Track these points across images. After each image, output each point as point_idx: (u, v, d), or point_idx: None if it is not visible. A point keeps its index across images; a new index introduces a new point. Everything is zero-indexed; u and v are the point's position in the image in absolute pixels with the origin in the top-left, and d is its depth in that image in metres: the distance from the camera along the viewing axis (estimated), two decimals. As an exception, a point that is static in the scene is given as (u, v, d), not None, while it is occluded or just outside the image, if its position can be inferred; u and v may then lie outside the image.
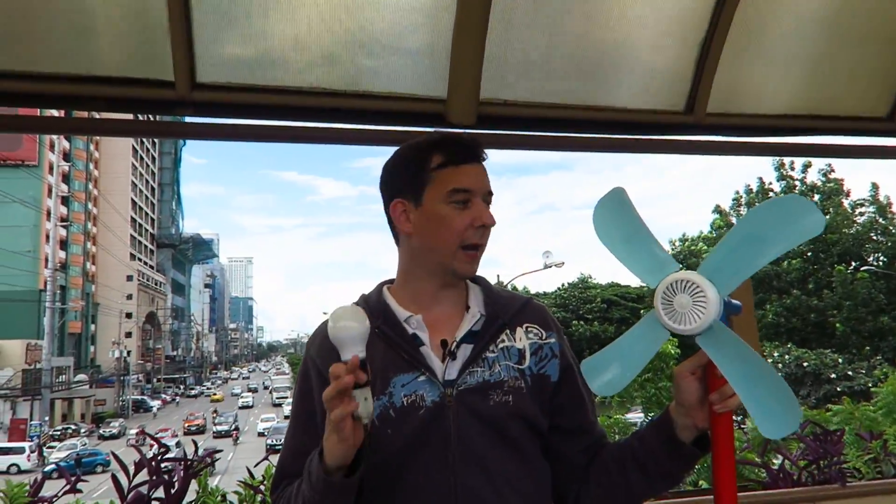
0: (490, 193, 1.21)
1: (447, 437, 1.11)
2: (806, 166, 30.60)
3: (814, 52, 2.20)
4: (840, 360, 21.54)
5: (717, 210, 32.86)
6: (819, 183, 30.44)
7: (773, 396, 1.01)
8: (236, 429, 36.34)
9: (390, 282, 1.29)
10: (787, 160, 29.88)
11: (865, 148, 2.45)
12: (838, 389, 19.60)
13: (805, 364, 21.19)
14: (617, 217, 1.17)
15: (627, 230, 1.16)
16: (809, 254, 29.64)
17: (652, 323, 1.11)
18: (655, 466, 1.13)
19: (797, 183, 30.64)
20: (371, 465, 1.08)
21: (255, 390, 68.00)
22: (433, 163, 1.19)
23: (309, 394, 1.19)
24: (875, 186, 29.63)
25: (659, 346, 1.12)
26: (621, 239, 1.17)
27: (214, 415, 39.79)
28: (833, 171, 30.57)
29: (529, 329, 1.23)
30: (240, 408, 49.66)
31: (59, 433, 36.33)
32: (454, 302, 1.23)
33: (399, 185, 1.22)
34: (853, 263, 28.82)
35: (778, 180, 31.12)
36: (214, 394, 64.30)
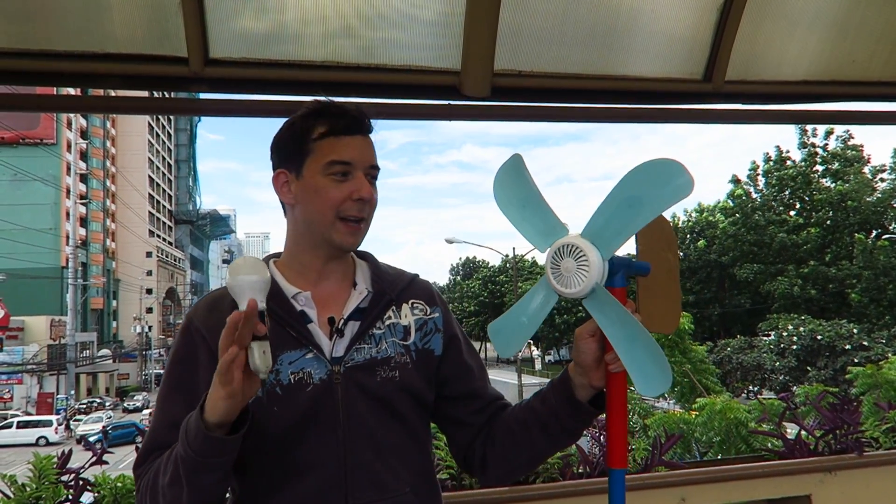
0: (374, 167, 1.19)
1: (335, 414, 1.12)
2: (828, 133, 30.01)
3: (836, 15, 2.14)
4: (856, 331, 21.35)
5: (734, 180, 32.45)
6: (839, 150, 29.90)
7: (649, 358, 1.05)
8: None
9: (276, 255, 1.27)
10: (809, 127, 29.34)
11: (889, 114, 2.39)
12: (855, 361, 19.47)
13: (819, 337, 21.06)
14: (513, 184, 1.21)
15: (522, 197, 1.19)
16: (828, 222, 29.24)
17: (545, 286, 1.16)
18: (556, 424, 1.16)
19: (818, 150, 30.11)
20: (257, 443, 1.07)
21: None
22: (315, 133, 1.17)
23: (193, 364, 1.14)
24: (897, 154, 29.04)
25: (550, 309, 1.17)
26: (517, 205, 1.20)
27: None
28: (852, 137, 29.98)
29: (415, 305, 1.24)
30: None
31: (84, 406, 37.21)
32: (341, 278, 1.23)
33: (283, 156, 1.20)
34: (874, 232, 28.38)
35: (799, 148, 30.60)
36: None
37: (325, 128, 1.16)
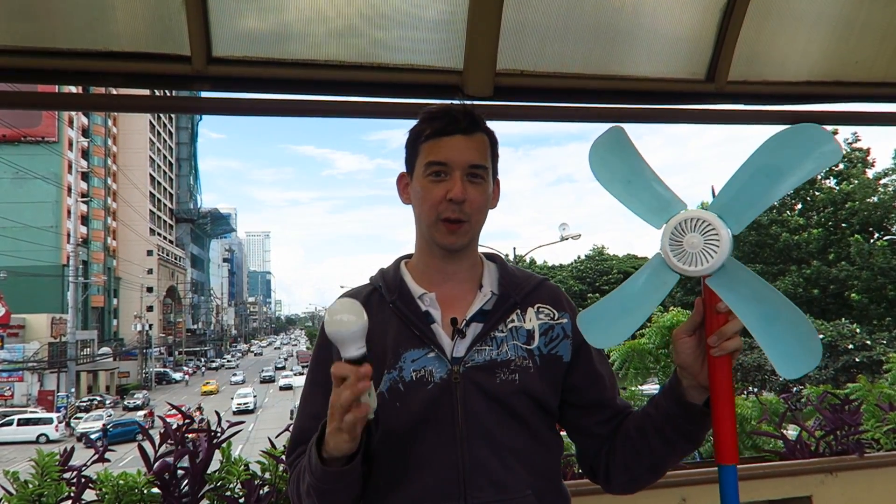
0: (475, 167, 1.19)
1: (454, 413, 1.13)
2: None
3: (840, 15, 2.14)
4: (858, 331, 21.35)
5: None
6: (846, 150, 29.89)
7: (791, 335, 0.97)
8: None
9: (408, 256, 1.30)
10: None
11: (893, 115, 2.39)
12: (857, 360, 19.48)
13: (821, 336, 21.09)
14: (616, 158, 1.13)
15: (628, 171, 1.11)
16: (830, 224, 29.23)
17: (659, 266, 1.07)
18: (673, 430, 1.14)
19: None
20: (379, 438, 1.11)
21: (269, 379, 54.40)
22: (423, 136, 1.20)
23: (328, 363, 1.19)
24: (899, 155, 29.01)
25: (668, 291, 1.08)
26: (622, 180, 1.12)
27: (199, 413, 25.88)
28: (859, 139, 29.96)
29: (541, 309, 1.24)
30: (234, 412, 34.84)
31: (85, 404, 37.26)
32: (467, 279, 1.24)
33: (405, 158, 1.26)
34: (876, 234, 28.37)
35: None
36: (207, 382, 49.02)
37: (429, 130, 1.20)
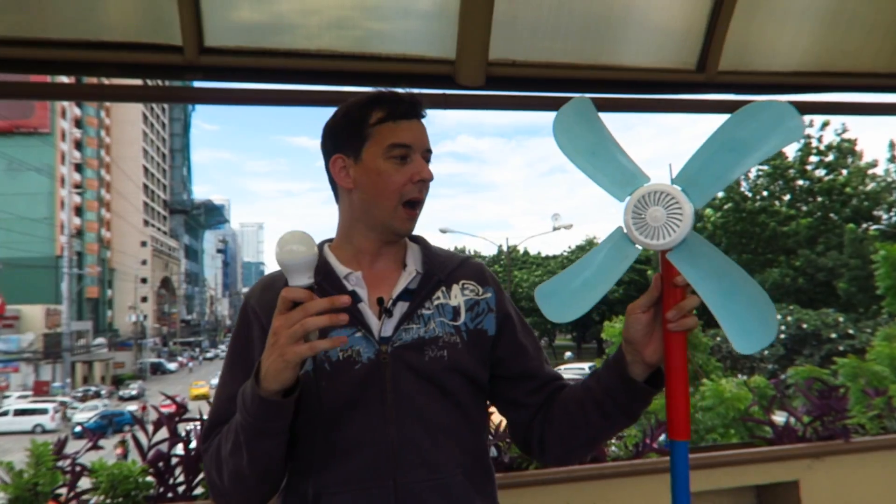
0: (429, 150, 1.21)
1: (383, 392, 1.13)
2: (824, 124, 30.06)
3: (828, 5, 2.15)
4: (841, 320, 21.48)
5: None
6: (834, 142, 29.97)
7: (749, 310, 0.97)
8: None
9: (330, 240, 1.30)
10: (806, 118, 29.39)
11: (880, 105, 2.41)
12: (840, 349, 19.62)
13: (805, 325, 21.21)
14: (581, 129, 1.10)
15: (592, 142, 1.09)
16: (819, 213, 29.32)
17: (620, 240, 1.06)
18: (611, 403, 1.14)
19: (814, 141, 30.17)
20: (306, 419, 1.09)
21: None
22: (373, 118, 1.19)
23: (249, 343, 1.18)
24: (893, 145, 29.11)
25: (629, 264, 1.06)
26: (586, 151, 1.10)
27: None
28: (847, 129, 30.03)
29: (466, 286, 1.24)
30: None
31: (80, 395, 37.27)
32: (392, 260, 1.25)
33: (339, 142, 1.22)
34: (864, 224, 28.50)
35: (796, 140, 30.62)
36: (196, 384, 38.64)
37: (383, 113, 1.19)
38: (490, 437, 2.28)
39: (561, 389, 1.25)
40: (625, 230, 1.05)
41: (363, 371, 1.13)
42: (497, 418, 2.13)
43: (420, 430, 1.13)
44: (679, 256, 1.01)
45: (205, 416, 2.28)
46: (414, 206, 1.20)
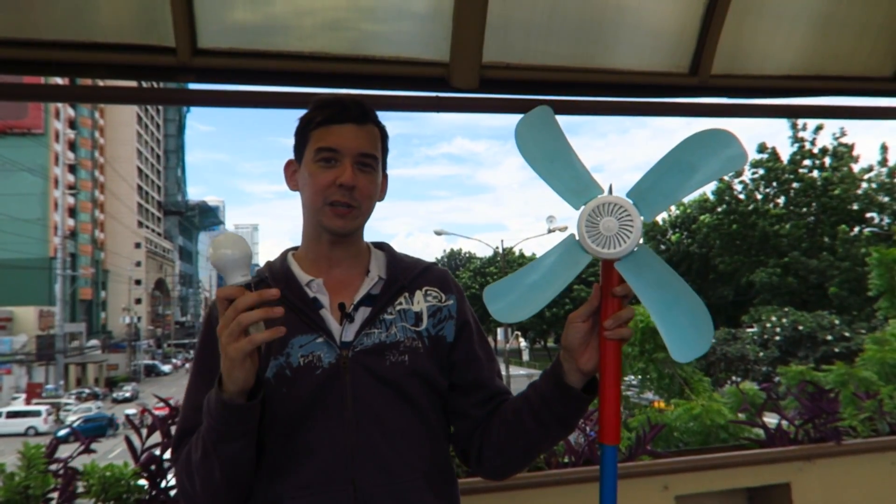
0: (366, 156, 1.21)
1: (343, 397, 1.13)
2: (818, 128, 30.21)
3: (819, 10, 2.17)
4: (837, 322, 21.59)
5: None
6: (832, 145, 30.13)
7: (688, 321, 1.02)
8: None
9: (295, 249, 1.31)
10: (799, 121, 29.51)
11: (871, 109, 2.43)
12: (836, 350, 19.70)
13: (801, 327, 21.32)
14: (542, 136, 1.15)
15: (552, 150, 1.13)
16: (811, 217, 29.46)
17: (572, 246, 1.10)
18: (548, 413, 1.15)
19: (807, 144, 30.32)
20: (267, 425, 1.10)
21: None
22: (313, 123, 1.21)
23: (213, 349, 1.14)
24: (885, 148, 29.31)
25: (579, 271, 1.09)
26: (544, 158, 1.14)
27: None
28: (846, 133, 30.22)
29: (429, 292, 1.25)
30: None
31: (83, 396, 37.10)
32: (354, 265, 1.25)
33: (294, 146, 1.26)
34: (856, 228, 28.65)
35: (791, 143, 30.77)
36: None
37: (320, 117, 1.21)
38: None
39: (504, 402, 1.25)
40: (577, 238, 1.09)
41: (323, 375, 1.14)
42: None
43: (379, 435, 1.14)
44: (627, 266, 1.06)
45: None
46: (342, 205, 1.19)
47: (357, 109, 1.22)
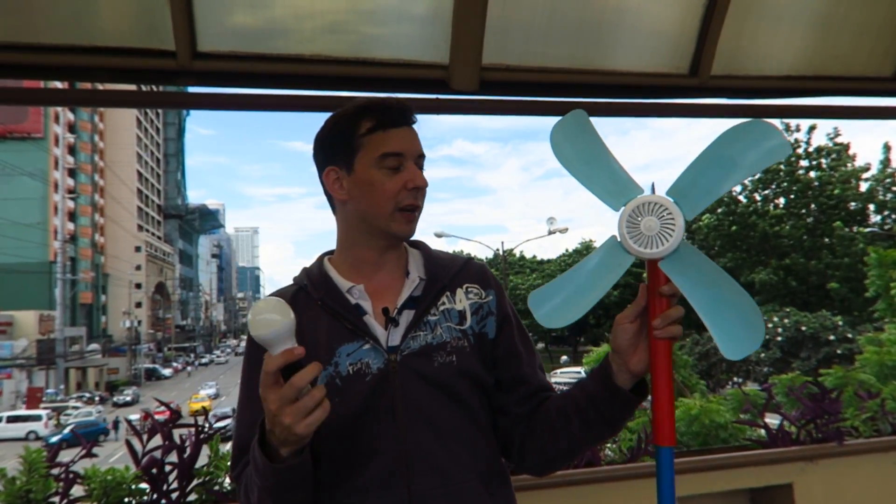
0: (421, 156, 1.21)
1: (394, 402, 1.13)
2: (811, 128, 30.26)
3: (819, 10, 2.17)
4: (840, 323, 21.55)
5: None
6: (829, 145, 30.15)
7: (737, 317, 1.00)
8: None
9: (330, 253, 1.29)
10: (793, 122, 29.55)
11: (872, 109, 2.43)
12: (838, 352, 19.66)
13: (803, 328, 21.28)
14: (578, 140, 1.15)
15: (588, 153, 1.13)
16: (810, 219, 29.46)
17: (613, 248, 1.09)
18: (595, 414, 1.14)
19: (802, 144, 30.35)
20: (321, 434, 1.08)
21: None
22: (362, 128, 1.18)
23: (258, 364, 1.13)
24: (888, 148, 29.33)
25: (622, 272, 1.08)
26: (581, 161, 1.14)
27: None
28: (840, 133, 30.27)
29: (469, 289, 1.24)
30: None
31: (85, 399, 37.12)
32: (394, 269, 1.24)
33: (331, 154, 1.22)
34: (856, 228, 28.65)
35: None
36: (195, 395, 34.48)
37: (372, 122, 1.18)
38: None
39: (547, 399, 1.24)
40: (619, 239, 1.08)
41: (373, 382, 1.14)
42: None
43: (431, 437, 1.14)
44: (671, 265, 1.04)
45: (202, 423, 2.28)
46: (412, 209, 1.19)
47: (409, 111, 1.21)
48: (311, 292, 1.21)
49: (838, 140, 30.13)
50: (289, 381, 0.95)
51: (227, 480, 2.22)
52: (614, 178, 1.11)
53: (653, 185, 1.09)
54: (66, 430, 23.16)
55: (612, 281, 1.09)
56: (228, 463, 1.19)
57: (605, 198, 1.11)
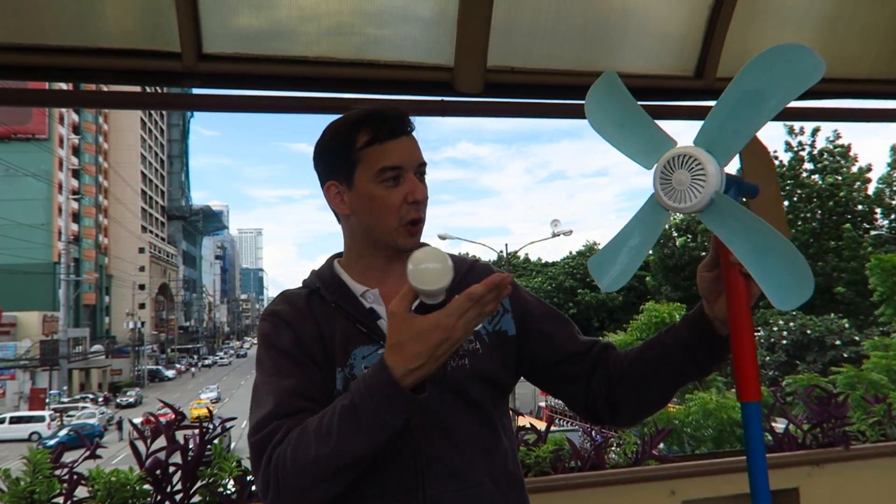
0: (422, 164, 1.19)
1: None
2: (815, 131, 30.22)
3: (825, 12, 2.16)
4: (847, 326, 21.48)
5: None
6: (830, 147, 30.10)
7: (784, 267, 0.97)
8: None
9: (339, 255, 1.29)
10: (797, 125, 29.50)
11: (879, 112, 2.42)
12: (844, 355, 19.59)
13: (809, 331, 21.22)
14: (610, 102, 1.14)
15: (620, 114, 1.12)
16: (814, 223, 29.39)
17: (652, 206, 1.09)
18: (690, 362, 1.16)
19: (806, 147, 30.29)
20: None
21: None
22: (359, 142, 1.16)
23: (291, 343, 1.15)
24: (895, 150, 29.28)
25: (661, 229, 1.11)
26: (615, 124, 1.13)
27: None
28: (840, 136, 30.24)
29: None
30: None
31: (87, 399, 37.23)
32: (403, 274, 1.21)
33: (330, 168, 1.20)
34: (863, 231, 28.57)
35: (786, 150, 30.79)
36: (197, 400, 33.56)
37: (369, 135, 1.16)
38: None
39: (604, 350, 1.26)
40: (655, 196, 1.07)
41: None
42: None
43: (445, 441, 1.13)
44: (711, 217, 1.03)
45: (206, 424, 2.28)
46: (415, 223, 1.18)
47: (406, 120, 1.19)
48: (324, 294, 1.21)
49: (838, 142, 30.09)
50: (468, 290, 0.98)
51: (231, 483, 2.21)
52: (647, 136, 1.09)
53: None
54: (62, 433, 23.22)
55: (654, 239, 1.12)
56: (252, 438, 1.13)
57: (638, 158, 1.10)
